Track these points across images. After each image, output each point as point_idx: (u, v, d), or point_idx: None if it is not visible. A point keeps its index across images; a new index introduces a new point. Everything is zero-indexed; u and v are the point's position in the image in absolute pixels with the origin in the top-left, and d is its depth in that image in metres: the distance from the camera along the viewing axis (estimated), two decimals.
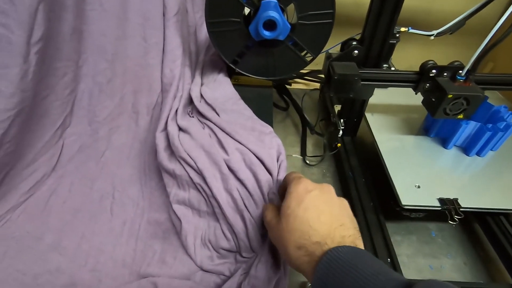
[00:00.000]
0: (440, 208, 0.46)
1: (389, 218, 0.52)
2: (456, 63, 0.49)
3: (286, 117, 0.76)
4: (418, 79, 0.51)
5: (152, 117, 0.54)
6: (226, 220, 0.42)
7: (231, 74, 0.61)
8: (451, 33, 0.54)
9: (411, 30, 0.52)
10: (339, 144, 0.61)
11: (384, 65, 0.53)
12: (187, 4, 0.65)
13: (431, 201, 0.46)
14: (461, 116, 0.49)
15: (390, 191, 0.48)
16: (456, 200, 0.46)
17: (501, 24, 0.42)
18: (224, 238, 0.42)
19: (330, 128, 0.68)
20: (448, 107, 0.47)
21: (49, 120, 0.45)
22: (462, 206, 0.46)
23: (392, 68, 0.61)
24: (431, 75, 0.49)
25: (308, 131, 0.68)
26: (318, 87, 0.84)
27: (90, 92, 0.49)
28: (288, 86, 0.77)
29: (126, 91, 0.51)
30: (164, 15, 0.52)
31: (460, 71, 0.48)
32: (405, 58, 0.92)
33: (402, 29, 0.52)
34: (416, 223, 0.52)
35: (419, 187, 0.49)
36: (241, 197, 0.42)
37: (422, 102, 0.52)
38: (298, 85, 0.86)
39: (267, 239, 0.41)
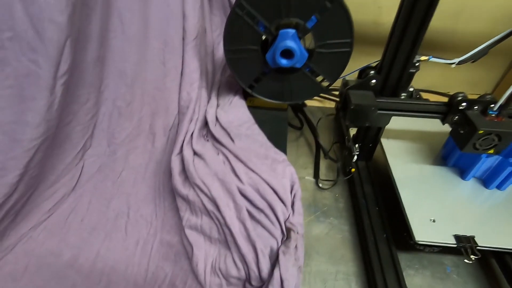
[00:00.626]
0: (456, 246, 0.44)
1: (402, 249, 0.51)
2: (487, 97, 0.47)
3: (300, 136, 0.76)
4: (446, 111, 0.49)
5: (169, 138, 0.55)
6: (238, 249, 0.42)
7: (246, 95, 0.61)
8: (473, 62, 0.52)
9: (432, 59, 0.51)
10: (353, 169, 0.60)
11: (403, 94, 0.52)
12: (205, 24, 0.66)
13: (446, 238, 0.45)
14: (492, 152, 0.47)
15: (404, 220, 0.47)
16: (473, 238, 0.45)
17: None
18: (235, 267, 0.42)
19: (344, 152, 0.67)
20: (478, 142, 0.46)
21: (71, 144, 0.47)
22: (479, 244, 0.44)
23: (411, 89, 0.60)
24: (460, 108, 0.47)
25: (322, 153, 0.67)
26: (334, 106, 0.84)
27: (110, 115, 0.51)
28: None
29: (144, 113, 0.53)
30: (183, 39, 0.53)
31: (492, 105, 0.46)
32: (424, 78, 0.90)
33: (423, 58, 0.51)
34: (430, 257, 0.51)
35: (434, 221, 0.47)
36: (254, 227, 0.43)
37: (451, 133, 0.51)
38: (313, 102, 0.86)
39: (275, 269, 0.41)
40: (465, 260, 0.43)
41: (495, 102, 0.46)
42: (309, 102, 0.83)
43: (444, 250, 0.48)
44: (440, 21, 0.77)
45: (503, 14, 0.74)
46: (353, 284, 0.47)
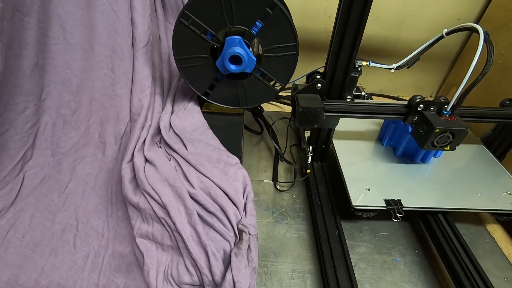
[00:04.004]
0: (385, 208, 0.50)
1: (355, 245, 0.54)
2: (441, 98, 0.51)
3: (260, 140, 0.78)
4: (406, 112, 0.53)
5: (121, 146, 0.54)
6: (190, 254, 0.42)
7: (202, 101, 0.61)
8: (408, 67, 0.57)
9: (372, 64, 0.55)
10: (308, 170, 0.62)
11: (348, 97, 0.56)
12: (160, 32, 0.66)
13: (378, 202, 0.51)
14: (448, 148, 0.51)
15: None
16: (399, 200, 0.51)
17: (475, 64, 0.43)
18: (187, 272, 0.42)
19: (301, 154, 0.69)
20: (435, 140, 0.50)
21: (7, 155, 0.44)
22: (405, 205, 0.50)
23: (363, 93, 0.64)
24: (419, 109, 0.51)
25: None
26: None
27: (53, 124, 0.48)
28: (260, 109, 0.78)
29: (93, 122, 0.51)
30: (133, 46, 0.53)
31: (446, 106, 0.50)
32: (375, 83, 0.97)
33: (364, 63, 0.54)
34: (381, 249, 0.53)
35: (369, 190, 0.53)
36: (206, 231, 0.43)
37: (411, 133, 0.55)
38: (271, 107, 0.88)
39: (227, 271, 0.41)
40: (394, 219, 0.49)
41: (448, 103, 0.50)
42: (267, 107, 0.85)
43: (379, 216, 0.53)
44: (385, 30, 0.84)
45: (438, 23, 0.82)
46: (308, 282, 0.49)
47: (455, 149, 0.52)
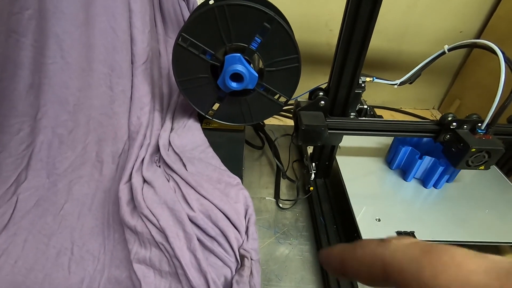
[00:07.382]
0: None
1: None
2: (474, 116, 0.49)
3: (261, 155, 0.76)
4: (438, 130, 0.51)
5: (118, 165, 0.52)
6: (189, 282, 0.40)
7: (202, 117, 0.60)
8: (411, 83, 0.56)
9: (376, 80, 0.54)
10: (311, 188, 0.61)
11: (352, 114, 0.54)
12: (160, 47, 0.65)
13: (389, 234, 0.47)
14: (482, 168, 0.49)
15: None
16: (412, 233, 0.48)
17: (504, 81, 0.42)
18: None
19: (303, 171, 0.68)
20: (470, 159, 0.48)
21: (0, 179, 0.42)
22: (419, 239, 0.46)
23: (365, 107, 0.63)
24: (451, 127, 0.49)
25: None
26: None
27: (49, 144, 0.47)
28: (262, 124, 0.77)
29: (90, 141, 0.50)
30: (132, 63, 0.52)
31: (480, 124, 0.48)
32: (377, 96, 0.96)
33: (367, 79, 0.53)
34: None
35: (379, 220, 0.50)
36: (206, 257, 0.41)
37: (443, 151, 0.53)
38: (273, 121, 0.87)
39: None
40: None
41: (481, 121, 0.48)
42: (269, 121, 0.84)
43: None
44: (386, 42, 0.84)
45: (441, 35, 0.82)
46: None
47: (489, 168, 0.50)
